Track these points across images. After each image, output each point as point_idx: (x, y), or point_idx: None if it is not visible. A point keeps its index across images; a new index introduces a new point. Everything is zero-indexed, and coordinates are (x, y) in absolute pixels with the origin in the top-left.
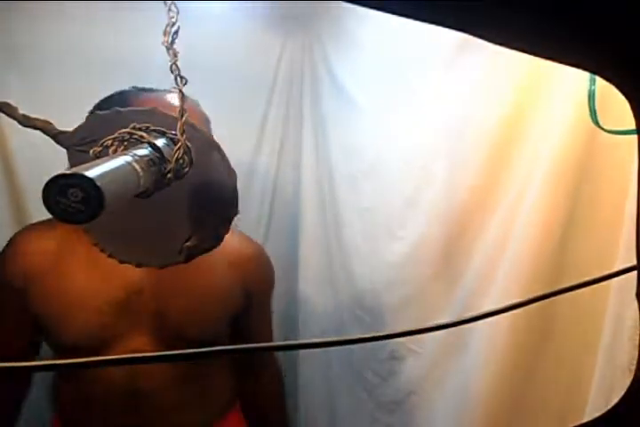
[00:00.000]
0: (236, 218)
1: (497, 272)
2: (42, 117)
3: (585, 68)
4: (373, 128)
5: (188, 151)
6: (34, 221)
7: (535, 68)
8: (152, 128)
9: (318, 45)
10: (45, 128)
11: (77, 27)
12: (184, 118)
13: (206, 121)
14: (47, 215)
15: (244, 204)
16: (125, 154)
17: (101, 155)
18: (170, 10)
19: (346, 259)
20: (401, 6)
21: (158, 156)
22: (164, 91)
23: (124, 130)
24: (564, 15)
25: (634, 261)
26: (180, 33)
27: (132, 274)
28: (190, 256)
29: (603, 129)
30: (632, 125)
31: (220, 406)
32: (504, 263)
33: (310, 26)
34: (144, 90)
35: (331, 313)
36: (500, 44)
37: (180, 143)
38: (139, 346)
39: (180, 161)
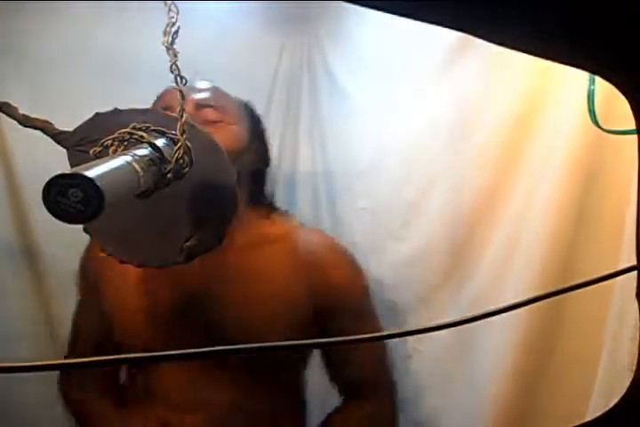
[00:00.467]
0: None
1: (506, 274)
2: (42, 117)
3: (585, 68)
4: (373, 128)
5: (188, 151)
6: (34, 221)
7: (541, 69)
8: (152, 128)
9: (318, 45)
10: (45, 128)
11: (77, 27)
12: (184, 118)
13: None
14: (47, 215)
15: None
16: (125, 154)
17: (101, 155)
18: (170, 10)
19: None
20: (401, 6)
21: (158, 156)
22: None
23: (123, 130)
24: (564, 15)
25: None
26: (179, 33)
27: (188, 279)
28: (190, 256)
29: (602, 129)
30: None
31: None
32: (513, 265)
33: (310, 26)
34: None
35: None
36: (500, 44)
37: (180, 143)
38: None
39: (180, 161)
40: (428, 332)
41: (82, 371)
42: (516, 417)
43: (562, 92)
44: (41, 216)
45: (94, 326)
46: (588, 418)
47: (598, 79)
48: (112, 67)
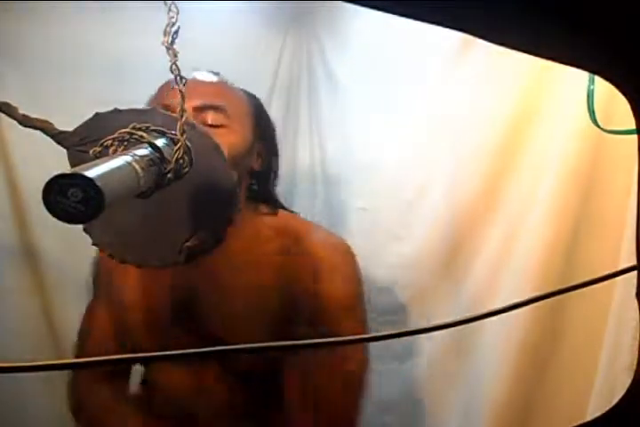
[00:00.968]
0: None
1: (505, 274)
2: (42, 117)
3: (585, 68)
4: (372, 128)
5: (188, 151)
6: (34, 221)
7: (540, 69)
8: (152, 128)
9: (317, 45)
10: (45, 128)
11: (77, 27)
12: (184, 118)
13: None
14: (47, 215)
15: None
16: (125, 154)
17: (101, 155)
18: (170, 10)
19: None
20: (401, 6)
21: (158, 156)
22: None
23: (123, 130)
24: (563, 15)
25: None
26: (179, 33)
27: (188, 279)
28: (190, 256)
29: (601, 129)
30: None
31: None
32: (512, 265)
33: (310, 25)
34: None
35: None
36: (500, 44)
37: (180, 143)
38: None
39: (180, 161)
40: (428, 332)
41: (91, 388)
42: (516, 417)
43: (561, 92)
44: (41, 216)
45: (108, 325)
46: (588, 418)
47: (598, 79)
48: (112, 67)
